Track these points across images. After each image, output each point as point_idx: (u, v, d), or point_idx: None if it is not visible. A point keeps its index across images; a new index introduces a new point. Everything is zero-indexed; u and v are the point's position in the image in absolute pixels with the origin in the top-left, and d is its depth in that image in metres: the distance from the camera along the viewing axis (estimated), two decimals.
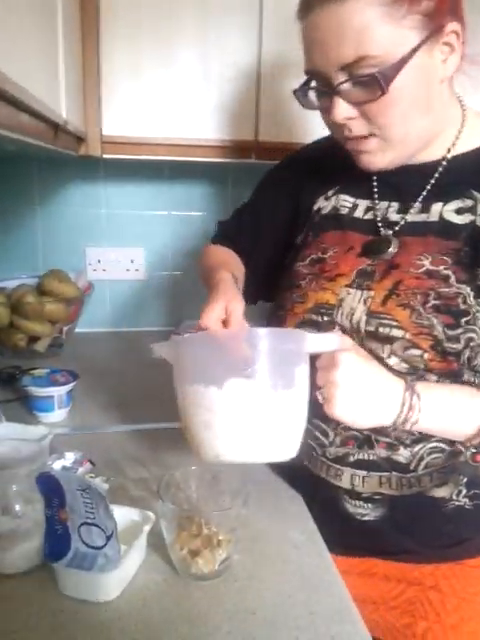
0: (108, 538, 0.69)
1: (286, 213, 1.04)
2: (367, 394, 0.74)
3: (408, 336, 0.80)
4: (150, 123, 1.41)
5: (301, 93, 0.85)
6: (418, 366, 0.80)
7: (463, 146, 0.86)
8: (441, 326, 0.79)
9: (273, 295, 1.02)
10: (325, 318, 0.87)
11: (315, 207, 0.99)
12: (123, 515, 0.78)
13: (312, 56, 0.79)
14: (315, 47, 0.78)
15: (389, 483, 0.87)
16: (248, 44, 1.40)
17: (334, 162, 0.93)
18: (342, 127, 0.82)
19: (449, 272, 0.80)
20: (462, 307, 0.79)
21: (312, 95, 0.84)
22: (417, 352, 0.79)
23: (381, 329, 0.82)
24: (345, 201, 0.95)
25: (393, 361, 0.81)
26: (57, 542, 0.71)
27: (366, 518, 0.89)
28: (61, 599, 0.72)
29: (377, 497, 0.88)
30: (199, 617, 0.70)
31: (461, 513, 0.87)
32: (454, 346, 0.78)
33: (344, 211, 0.94)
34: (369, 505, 0.89)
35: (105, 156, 1.43)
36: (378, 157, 0.84)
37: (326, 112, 0.82)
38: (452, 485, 0.86)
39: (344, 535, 0.86)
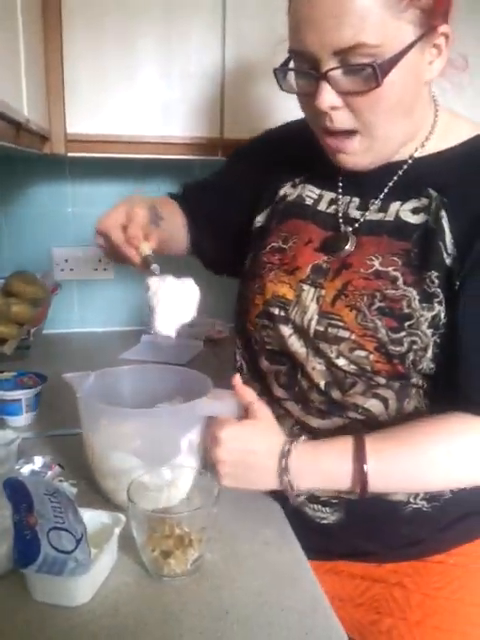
0: (78, 542, 0.68)
1: (250, 192, 1.01)
2: (246, 469, 0.80)
3: (354, 337, 0.80)
4: (115, 121, 1.40)
5: (281, 74, 0.80)
6: (365, 368, 0.81)
7: (431, 148, 0.84)
8: (385, 329, 0.79)
9: (236, 271, 1.04)
10: (281, 313, 0.88)
11: (281, 192, 0.97)
12: (93, 518, 0.78)
13: (303, 35, 0.73)
14: (308, 26, 0.72)
15: None
16: (212, 41, 1.40)
17: (305, 149, 0.89)
18: (324, 116, 0.77)
19: (398, 274, 0.80)
20: (406, 311, 0.78)
21: (293, 77, 0.80)
22: (363, 353, 0.80)
23: (330, 329, 0.82)
24: (311, 191, 0.94)
25: (342, 362, 0.82)
26: (26, 548, 0.70)
27: (325, 522, 0.90)
28: (32, 605, 0.71)
29: (334, 501, 0.88)
30: (172, 618, 0.70)
31: (419, 515, 0.87)
32: (397, 349, 0.79)
33: (309, 202, 0.93)
34: (327, 509, 0.89)
35: (70, 154, 1.42)
36: (358, 157, 0.81)
37: (308, 98, 0.77)
38: None
39: (307, 538, 0.86)
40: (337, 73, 0.73)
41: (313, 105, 0.76)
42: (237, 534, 0.86)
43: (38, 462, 0.95)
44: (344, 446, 0.78)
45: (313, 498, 0.89)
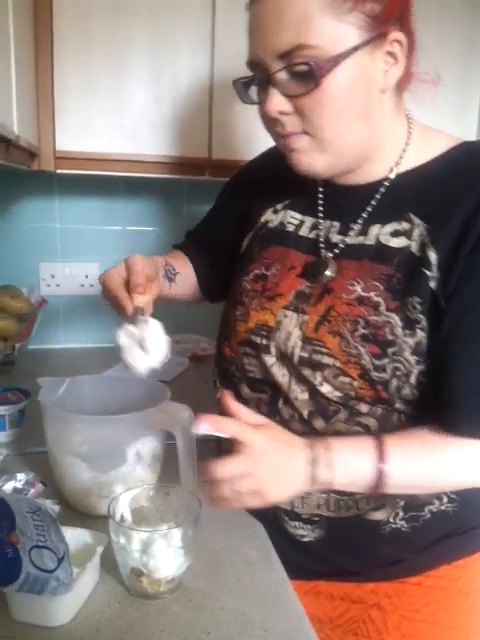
0: (60, 561, 0.67)
1: (237, 221, 1.04)
2: (280, 469, 0.74)
3: (338, 364, 0.79)
4: (104, 138, 1.42)
5: (241, 85, 0.83)
6: (349, 393, 0.80)
7: (407, 164, 0.83)
8: (368, 356, 0.78)
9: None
10: (264, 341, 0.87)
11: (262, 219, 0.97)
12: (76, 537, 0.77)
13: (252, 45, 0.78)
14: (256, 35, 0.76)
15: (327, 505, 0.86)
16: (200, 61, 1.41)
17: (285, 174, 0.87)
18: (275, 122, 0.79)
19: (380, 299, 0.79)
20: (389, 337, 0.78)
21: (252, 88, 0.82)
22: (347, 380, 0.79)
23: (314, 356, 0.81)
24: (292, 217, 0.93)
25: (326, 389, 0.81)
26: (7, 566, 0.70)
27: (306, 539, 0.89)
28: (12, 625, 0.70)
29: (315, 518, 0.88)
30: (153, 639, 0.69)
31: (398, 535, 0.87)
32: (381, 375, 0.78)
33: (290, 228, 0.92)
34: (308, 526, 0.89)
35: (58, 171, 1.42)
36: (309, 157, 0.80)
37: (262, 105, 0.80)
38: (389, 508, 0.86)
39: (287, 557, 0.86)
40: (282, 76, 0.75)
41: (264, 111, 0.79)
42: (219, 554, 0.85)
43: (21, 479, 0.95)
44: (364, 445, 0.77)
45: (294, 515, 0.89)
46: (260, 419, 0.78)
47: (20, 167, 1.28)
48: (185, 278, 1.09)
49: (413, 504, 0.86)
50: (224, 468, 0.72)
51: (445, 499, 0.87)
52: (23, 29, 1.20)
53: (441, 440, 0.77)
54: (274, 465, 0.73)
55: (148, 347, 0.83)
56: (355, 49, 0.73)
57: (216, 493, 0.72)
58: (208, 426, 0.74)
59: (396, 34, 0.75)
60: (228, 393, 0.78)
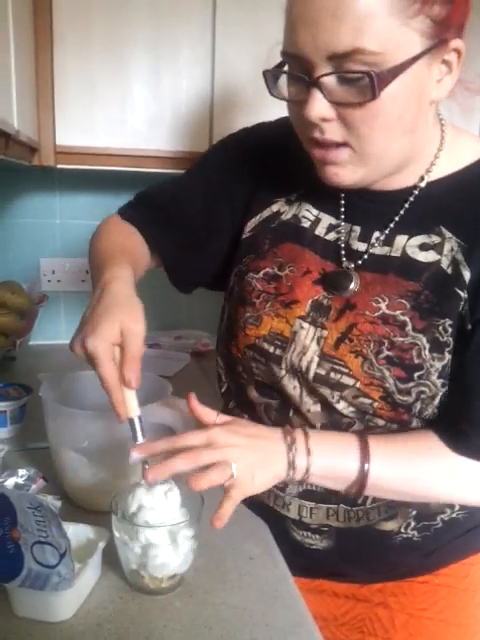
0: (62, 556, 0.67)
1: (240, 197, 0.92)
2: (256, 451, 0.72)
3: (359, 385, 0.75)
4: (104, 133, 1.41)
5: (271, 77, 0.71)
6: (367, 411, 0.77)
7: (439, 171, 0.77)
8: (392, 379, 0.74)
9: (215, 285, 0.99)
10: (277, 351, 0.81)
11: (274, 208, 0.88)
12: (77, 532, 0.77)
13: (296, 36, 0.65)
14: (303, 26, 0.64)
15: (336, 516, 0.84)
16: (201, 54, 1.41)
17: (303, 157, 0.77)
18: (313, 127, 0.69)
19: (406, 318, 0.74)
20: (416, 361, 0.73)
21: (285, 82, 0.71)
22: (367, 401, 0.76)
23: (332, 374, 0.77)
24: (308, 212, 0.85)
25: (341, 406, 0.77)
26: (9, 562, 0.70)
27: (314, 547, 0.88)
28: (14, 620, 0.70)
29: (324, 528, 0.86)
30: (155, 634, 0.69)
31: (409, 545, 0.85)
32: (404, 399, 0.74)
33: (306, 224, 0.84)
34: (316, 536, 0.87)
35: (59, 166, 1.42)
36: (347, 171, 0.72)
37: (298, 106, 0.69)
38: (401, 519, 0.83)
39: (292, 558, 0.85)
40: (331, 80, 0.65)
41: (302, 114, 0.68)
42: (222, 549, 0.85)
43: (23, 475, 0.94)
44: (348, 441, 0.75)
45: (302, 525, 0.87)
46: (227, 418, 0.76)
47: (20, 162, 1.27)
48: (139, 270, 0.89)
49: (425, 513, 0.84)
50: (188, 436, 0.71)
51: (457, 507, 0.85)
52: (23, 23, 1.20)
53: (430, 449, 0.75)
54: (254, 449, 0.72)
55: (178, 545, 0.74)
56: (416, 58, 0.64)
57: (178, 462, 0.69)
58: (137, 455, 0.72)
59: (456, 42, 0.67)
60: (192, 394, 0.76)
